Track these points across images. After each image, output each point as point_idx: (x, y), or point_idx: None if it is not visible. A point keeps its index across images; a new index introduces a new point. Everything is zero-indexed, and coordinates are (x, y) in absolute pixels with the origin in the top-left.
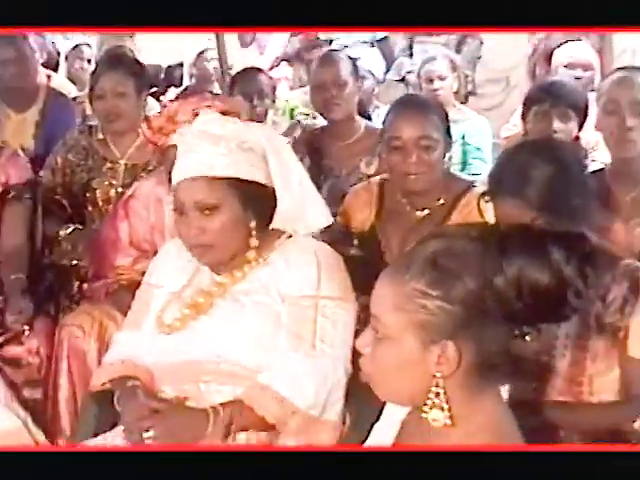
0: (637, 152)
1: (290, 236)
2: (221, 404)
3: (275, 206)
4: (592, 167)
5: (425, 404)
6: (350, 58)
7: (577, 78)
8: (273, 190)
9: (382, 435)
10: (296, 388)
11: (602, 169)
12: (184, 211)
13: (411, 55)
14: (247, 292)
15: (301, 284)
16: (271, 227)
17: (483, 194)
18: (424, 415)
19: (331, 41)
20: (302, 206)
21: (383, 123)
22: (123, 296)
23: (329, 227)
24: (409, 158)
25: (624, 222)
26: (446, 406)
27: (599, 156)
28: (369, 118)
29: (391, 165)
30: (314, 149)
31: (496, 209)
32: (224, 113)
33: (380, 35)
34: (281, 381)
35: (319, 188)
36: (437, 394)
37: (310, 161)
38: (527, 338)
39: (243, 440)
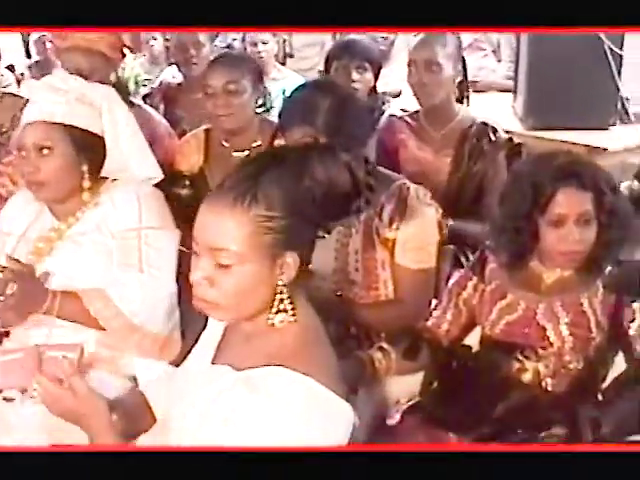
0: (436, 101)
1: (109, 180)
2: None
3: (104, 156)
4: (394, 111)
5: (270, 311)
6: None
7: (383, 38)
8: (103, 141)
9: (208, 339)
10: (124, 296)
11: (417, 111)
12: (25, 152)
13: None
14: (83, 233)
15: (125, 220)
16: (101, 175)
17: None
18: (270, 321)
19: None
20: (130, 159)
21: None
22: None
23: None
24: (218, 101)
25: (435, 153)
26: (290, 307)
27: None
28: None
29: (207, 110)
30: (170, 100)
31: (287, 139)
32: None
33: None
34: (112, 290)
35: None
36: (281, 300)
37: (165, 110)
38: (325, 236)
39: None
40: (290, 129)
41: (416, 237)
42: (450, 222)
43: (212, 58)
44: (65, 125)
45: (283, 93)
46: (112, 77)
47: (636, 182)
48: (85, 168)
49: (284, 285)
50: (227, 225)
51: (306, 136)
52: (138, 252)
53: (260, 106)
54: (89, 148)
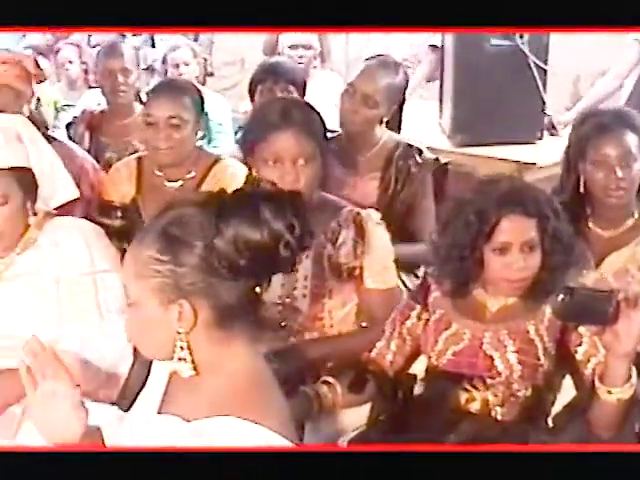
0: (359, 129)
1: (49, 214)
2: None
3: (37, 185)
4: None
5: (172, 357)
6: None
7: (300, 57)
8: (32, 171)
9: (152, 387)
10: (94, 351)
11: (340, 134)
12: None
13: (153, 45)
14: (19, 275)
15: (75, 264)
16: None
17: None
18: (172, 368)
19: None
20: (52, 184)
21: (143, 103)
22: None
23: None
24: (159, 134)
25: (360, 177)
26: (189, 358)
27: None
28: None
29: (146, 140)
30: (94, 127)
31: (265, 152)
32: None
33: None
34: (79, 347)
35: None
36: (181, 347)
37: (90, 138)
38: (257, 290)
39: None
40: (266, 140)
41: (379, 258)
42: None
43: (154, 85)
44: (9, 169)
45: (206, 114)
46: (25, 110)
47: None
48: (29, 205)
49: (185, 333)
50: (126, 262)
51: (287, 140)
52: (95, 297)
53: (201, 138)
54: (28, 183)
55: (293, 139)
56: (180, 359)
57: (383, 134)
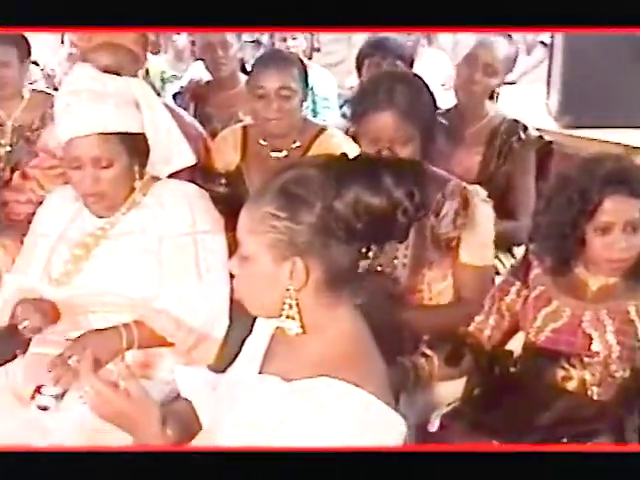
0: (473, 100)
1: (155, 177)
2: (128, 323)
3: (149, 151)
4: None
5: (280, 315)
6: None
7: (410, 34)
8: (145, 136)
9: (254, 347)
10: (189, 310)
11: (449, 109)
12: (79, 165)
13: None
14: (126, 233)
15: (177, 223)
16: (146, 170)
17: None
18: (280, 324)
19: None
20: (169, 150)
21: (249, 74)
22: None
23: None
24: (271, 105)
25: (466, 151)
26: (297, 316)
27: None
28: None
29: (255, 111)
30: (200, 98)
31: (363, 127)
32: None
33: None
34: (175, 305)
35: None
36: (290, 305)
37: (195, 108)
38: (369, 255)
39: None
40: (369, 116)
41: (479, 234)
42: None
43: (259, 56)
44: (117, 133)
45: (311, 89)
46: (139, 74)
47: None
48: (136, 169)
49: (296, 291)
50: (242, 219)
51: (386, 121)
52: (195, 257)
53: (306, 108)
54: (138, 148)
55: (392, 121)
56: (288, 317)
57: (491, 108)
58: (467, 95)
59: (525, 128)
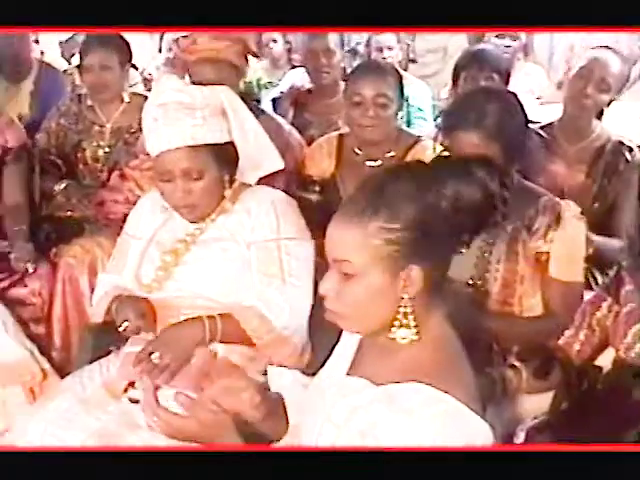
0: (587, 113)
1: (245, 185)
2: (213, 315)
3: (238, 158)
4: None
5: (393, 325)
6: None
7: (507, 46)
8: (234, 144)
9: (342, 352)
10: (274, 310)
11: (551, 123)
12: (170, 178)
13: None
14: (215, 239)
15: (262, 230)
16: (235, 178)
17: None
18: (391, 335)
19: None
20: (258, 155)
21: (346, 82)
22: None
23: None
24: (367, 112)
25: (567, 167)
26: (413, 323)
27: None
28: None
29: (351, 118)
30: (299, 104)
31: (452, 143)
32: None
33: None
34: (262, 304)
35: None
36: (405, 314)
37: (294, 114)
38: (463, 251)
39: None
40: (456, 133)
41: (569, 250)
42: (594, 238)
43: (357, 65)
44: (206, 145)
45: (407, 100)
46: (241, 84)
47: None
48: (226, 178)
49: (410, 299)
50: (347, 236)
51: (472, 140)
52: (279, 262)
53: (401, 118)
54: (227, 158)
55: (477, 141)
56: (402, 325)
57: (597, 126)
58: (577, 109)
59: (630, 149)
